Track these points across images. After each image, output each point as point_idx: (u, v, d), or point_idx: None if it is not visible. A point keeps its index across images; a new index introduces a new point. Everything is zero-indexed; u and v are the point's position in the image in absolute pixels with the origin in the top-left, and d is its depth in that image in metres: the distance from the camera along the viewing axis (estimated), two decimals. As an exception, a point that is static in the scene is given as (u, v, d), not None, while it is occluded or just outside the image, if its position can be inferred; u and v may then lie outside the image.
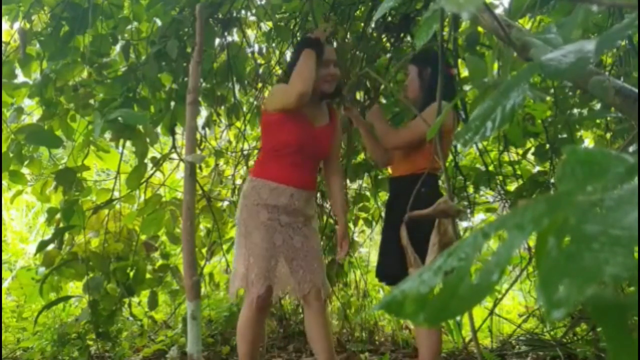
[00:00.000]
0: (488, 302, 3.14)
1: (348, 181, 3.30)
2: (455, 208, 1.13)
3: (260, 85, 3.44)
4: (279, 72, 3.39)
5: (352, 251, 3.45)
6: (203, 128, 3.32)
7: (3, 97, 2.71)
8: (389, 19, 3.02)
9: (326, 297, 2.26)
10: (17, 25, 2.70)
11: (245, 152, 3.50)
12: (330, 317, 3.27)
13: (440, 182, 2.44)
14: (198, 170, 3.20)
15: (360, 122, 2.55)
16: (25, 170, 2.85)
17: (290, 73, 2.20)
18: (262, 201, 2.20)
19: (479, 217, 3.54)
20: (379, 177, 3.41)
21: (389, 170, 2.71)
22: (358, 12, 3.16)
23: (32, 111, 3.00)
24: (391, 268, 2.31)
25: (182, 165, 2.86)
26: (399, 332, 3.49)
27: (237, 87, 3.24)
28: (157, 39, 2.62)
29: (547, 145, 3.00)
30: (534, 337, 3.34)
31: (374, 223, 3.59)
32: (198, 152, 2.94)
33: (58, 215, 2.67)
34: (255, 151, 3.43)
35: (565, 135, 2.96)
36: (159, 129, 2.86)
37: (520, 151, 3.30)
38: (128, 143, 2.76)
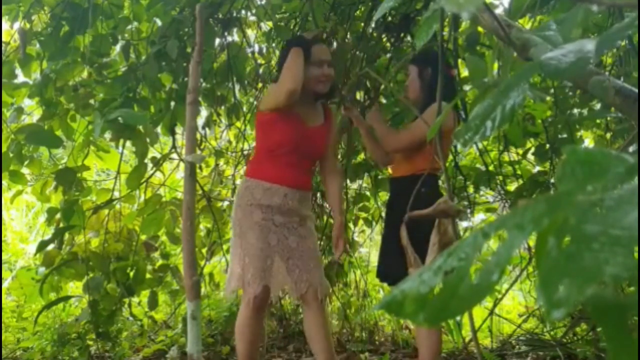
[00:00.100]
0: (488, 302, 3.14)
1: (348, 181, 3.30)
2: (455, 208, 1.13)
3: (260, 85, 3.44)
4: (279, 72, 3.39)
5: (352, 251, 3.45)
6: (203, 128, 3.32)
7: (3, 97, 2.71)
8: (389, 19, 3.02)
9: (323, 297, 2.25)
10: (17, 25, 2.70)
11: (245, 152, 3.50)
12: (330, 317, 3.28)
13: (440, 182, 2.44)
14: (198, 170, 3.19)
15: (361, 123, 2.55)
16: (25, 170, 2.85)
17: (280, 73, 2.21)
18: (255, 201, 2.19)
19: (479, 217, 3.54)
20: (379, 177, 3.41)
21: (389, 170, 2.71)
22: (358, 12, 3.16)
23: (32, 111, 3.00)
24: (392, 268, 2.31)
25: (182, 165, 2.86)
26: (399, 332, 3.49)
27: (237, 87, 3.24)
28: (157, 39, 2.62)
29: (547, 145, 2.99)
30: (534, 337, 3.33)
31: (374, 223, 3.60)
32: (198, 152, 2.93)
33: (58, 215, 2.67)
34: (255, 151, 3.43)
35: (565, 135, 2.96)
36: (159, 129, 2.86)
37: (520, 151, 3.29)
38: (128, 143, 2.76)
